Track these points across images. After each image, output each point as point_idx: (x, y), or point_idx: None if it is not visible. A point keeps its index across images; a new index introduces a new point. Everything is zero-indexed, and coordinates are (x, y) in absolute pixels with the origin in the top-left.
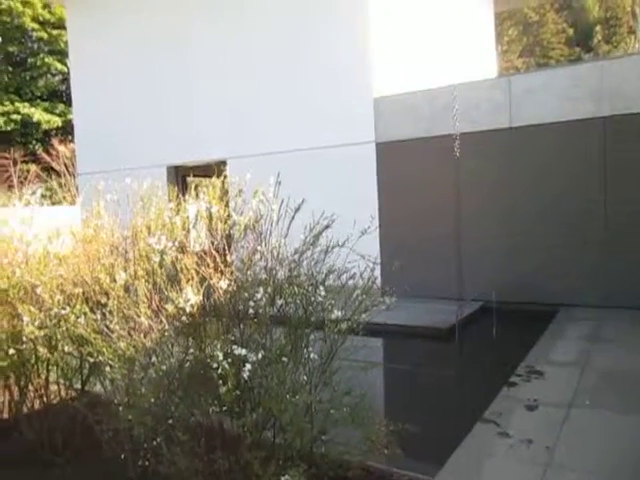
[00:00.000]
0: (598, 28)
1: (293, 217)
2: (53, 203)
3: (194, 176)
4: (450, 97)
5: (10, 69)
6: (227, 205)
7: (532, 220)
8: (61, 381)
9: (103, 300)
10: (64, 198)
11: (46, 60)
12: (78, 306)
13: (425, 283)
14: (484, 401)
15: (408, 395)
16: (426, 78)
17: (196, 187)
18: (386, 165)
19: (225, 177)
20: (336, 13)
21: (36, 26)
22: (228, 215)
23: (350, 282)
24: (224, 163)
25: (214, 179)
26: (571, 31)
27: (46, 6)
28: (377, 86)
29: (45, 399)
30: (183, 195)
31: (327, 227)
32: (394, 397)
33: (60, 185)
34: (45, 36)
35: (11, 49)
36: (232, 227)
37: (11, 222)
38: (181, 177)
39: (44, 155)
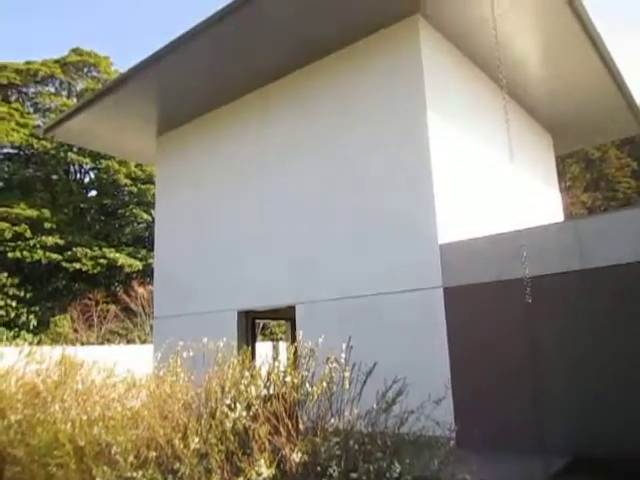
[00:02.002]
0: None
1: (365, 381)
2: (128, 342)
3: (264, 318)
4: (517, 242)
5: (102, 218)
6: (297, 354)
7: (617, 359)
8: None
9: (176, 465)
10: (138, 337)
11: (134, 210)
12: (150, 470)
13: (502, 431)
14: None
15: None
16: (491, 220)
17: (264, 328)
18: (456, 310)
19: (298, 341)
20: (401, 161)
21: (129, 182)
22: (301, 383)
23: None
24: (293, 308)
25: (288, 344)
26: (635, 164)
27: (138, 165)
28: (442, 232)
29: None
30: (253, 338)
31: (399, 395)
32: None
33: (135, 325)
34: (135, 190)
35: (105, 201)
36: (305, 396)
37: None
38: (251, 320)
39: (124, 296)
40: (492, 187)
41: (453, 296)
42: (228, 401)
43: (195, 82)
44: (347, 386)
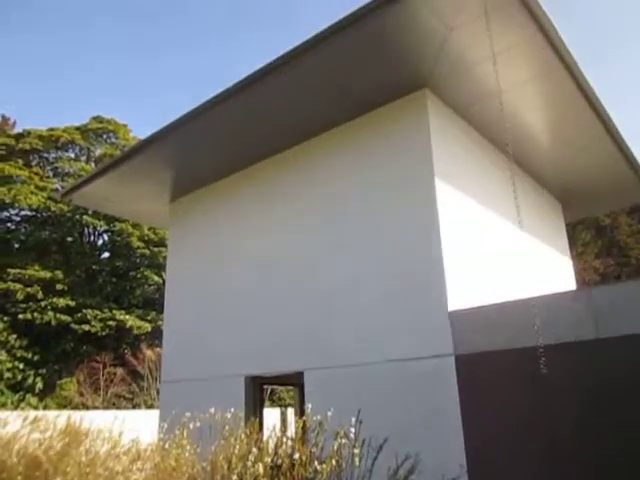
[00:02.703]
0: None
1: (376, 458)
2: (134, 406)
3: (272, 384)
4: (530, 310)
5: (114, 280)
6: (305, 428)
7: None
8: None
9: None
10: (144, 402)
11: (145, 273)
12: None
13: None
14: None
15: None
16: (502, 286)
17: (271, 393)
18: (468, 379)
19: (307, 414)
20: (410, 229)
21: (141, 244)
22: (310, 460)
23: None
24: (301, 374)
25: (297, 411)
26: None
27: (151, 228)
28: (452, 299)
29: None
30: (261, 404)
31: (411, 472)
32: None
33: (141, 389)
34: (147, 252)
35: (118, 263)
36: (314, 473)
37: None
38: (258, 385)
39: (131, 359)
40: (502, 254)
41: (465, 364)
42: (235, 477)
43: (206, 152)
44: (357, 463)
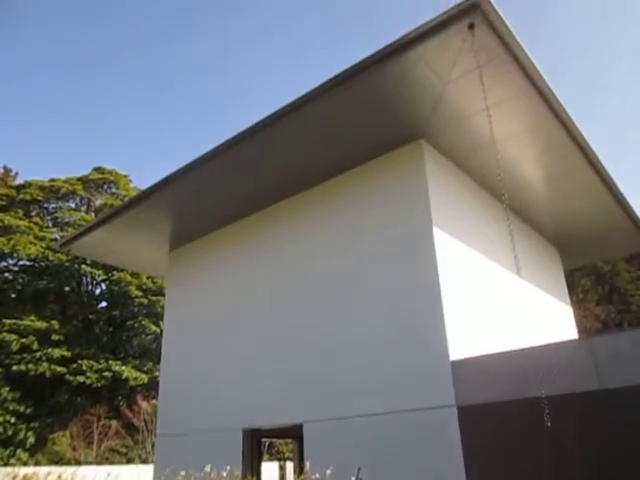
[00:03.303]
0: None
1: None
2: (128, 460)
3: (270, 437)
4: (531, 359)
5: (111, 330)
6: None
7: None
8: None
9: None
10: (139, 456)
11: (143, 322)
12: None
13: None
14: None
15: None
16: (502, 334)
17: (270, 446)
18: (471, 430)
19: (305, 472)
20: (408, 277)
21: (139, 293)
22: None
23: None
24: (300, 426)
25: (296, 476)
26: None
27: (150, 277)
28: (453, 348)
29: None
30: (259, 458)
31: None
32: None
33: (136, 442)
34: (145, 301)
35: (115, 312)
36: None
37: None
38: (257, 439)
39: (127, 411)
40: (501, 301)
41: (467, 415)
42: None
43: (203, 203)
44: None
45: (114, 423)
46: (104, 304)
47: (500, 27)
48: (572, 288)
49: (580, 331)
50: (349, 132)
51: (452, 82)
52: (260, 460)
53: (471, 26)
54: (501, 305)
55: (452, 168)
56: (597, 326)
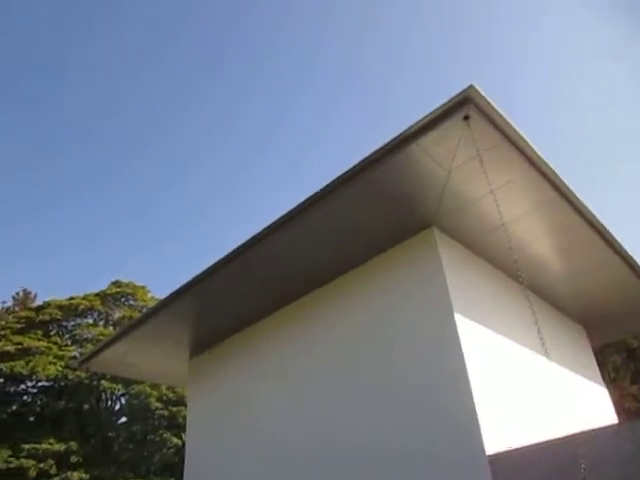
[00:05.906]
0: None
1: None
2: None
3: None
4: (572, 448)
5: (131, 447)
6: None
7: None
8: None
9: None
10: None
11: (164, 435)
12: None
13: None
14: None
15: None
16: (537, 421)
17: None
18: None
19: None
20: (434, 371)
21: (159, 405)
22: None
23: None
24: None
25: None
26: None
27: (170, 387)
28: (488, 440)
29: None
30: None
31: None
32: None
33: None
34: (166, 413)
35: (135, 428)
36: None
37: None
38: None
39: None
40: (532, 386)
41: None
42: None
43: (221, 308)
44: None
45: None
46: (123, 419)
47: (495, 118)
48: (603, 366)
49: (618, 413)
50: (358, 226)
51: (455, 170)
52: None
53: (466, 117)
54: (531, 388)
55: (466, 252)
56: (637, 406)
